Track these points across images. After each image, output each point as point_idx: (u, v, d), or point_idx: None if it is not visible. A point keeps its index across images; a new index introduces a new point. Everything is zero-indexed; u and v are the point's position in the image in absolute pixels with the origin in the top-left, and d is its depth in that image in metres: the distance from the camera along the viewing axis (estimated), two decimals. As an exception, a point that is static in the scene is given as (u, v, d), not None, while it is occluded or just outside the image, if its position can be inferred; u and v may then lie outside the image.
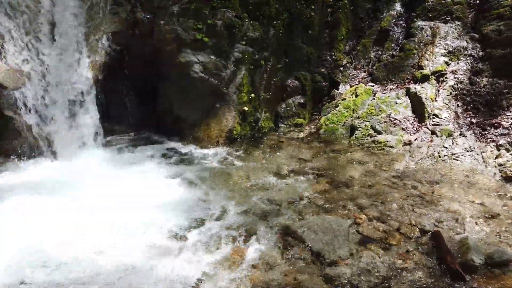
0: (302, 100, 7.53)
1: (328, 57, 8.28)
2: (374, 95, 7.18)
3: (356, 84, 7.70)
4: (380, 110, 6.74)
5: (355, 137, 6.42)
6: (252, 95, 6.62)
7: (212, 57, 6.16)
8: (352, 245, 3.55)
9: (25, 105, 5.05)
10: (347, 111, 7.02)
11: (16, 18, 4.95)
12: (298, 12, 7.74)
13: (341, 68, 8.17)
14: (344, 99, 7.35)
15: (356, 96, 7.22)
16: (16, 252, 3.24)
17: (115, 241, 3.50)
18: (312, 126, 7.28)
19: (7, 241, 3.38)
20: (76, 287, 2.93)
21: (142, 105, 6.63)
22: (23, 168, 4.95)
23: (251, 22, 6.67)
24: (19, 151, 5.18)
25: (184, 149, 6.09)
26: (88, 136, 5.54)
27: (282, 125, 7.32)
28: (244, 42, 6.49)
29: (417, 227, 3.83)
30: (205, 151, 6.02)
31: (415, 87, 6.86)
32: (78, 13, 5.33)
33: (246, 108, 6.47)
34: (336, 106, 7.31)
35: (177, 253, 3.42)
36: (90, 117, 5.53)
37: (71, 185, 4.47)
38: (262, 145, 6.38)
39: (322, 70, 8.12)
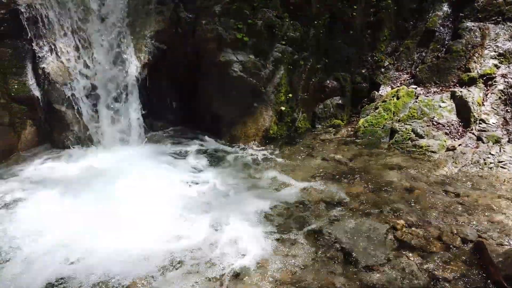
0: (340, 101, 7.41)
1: (369, 58, 8.09)
2: (417, 98, 6.94)
3: (398, 86, 7.48)
4: (422, 114, 6.51)
5: (395, 141, 6.24)
6: (290, 95, 6.60)
7: (252, 56, 6.20)
8: (389, 250, 3.46)
9: (73, 99, 5.32)
10: (387, 114, 6.83)
11: (66, 16, 5.22)
12: (340, 12, 7.61)
13: (382, 70, 7.97)
14: (384, 101, 7.15)
15: (397, 98, 7.01)
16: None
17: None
18: (350, 128, 7.15)
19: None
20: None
21: (182, 102, 6.79)
22: (70, 159, 5.22)
23: (291, 22, 6.65)
24: (67, 143, 5.47)
25: (221, 146, 6.17)
26: (131, 131, 5.75)
27: (319, 126, 7.24)
28: (283, 42, 6.48)
29: (459, 236, 3.67)
30: (242, 149, 6.08)
31: (461, 91, 6.57)
32: (125, 11, 5.54)
33: (283, 108, 6.46)
34: (376, 108, 7.13)
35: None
36: (133, 112, 5.74)
37: (117, 176, 4.68)
38: (298, 145, 6.35)
39: (363, 71, 7.95)
